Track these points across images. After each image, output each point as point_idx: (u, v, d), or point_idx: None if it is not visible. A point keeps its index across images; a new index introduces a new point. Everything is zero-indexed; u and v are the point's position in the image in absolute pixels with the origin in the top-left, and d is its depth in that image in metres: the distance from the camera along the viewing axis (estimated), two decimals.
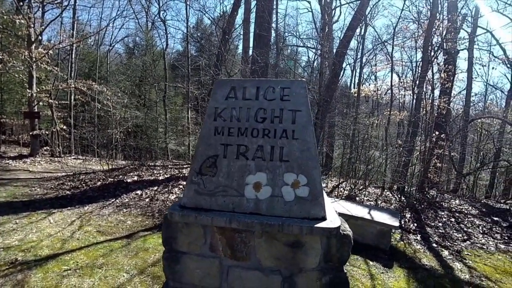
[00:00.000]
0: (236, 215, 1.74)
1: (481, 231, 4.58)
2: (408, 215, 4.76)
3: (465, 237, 4.16)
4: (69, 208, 4.88)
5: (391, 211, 4.03)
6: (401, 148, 7.67)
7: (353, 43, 13.99)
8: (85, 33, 18.21)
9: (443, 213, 5.33)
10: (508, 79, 14.14)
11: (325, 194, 2.69)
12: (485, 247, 3.88)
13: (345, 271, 1.90)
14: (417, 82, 6.89)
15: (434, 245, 3.66)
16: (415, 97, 7.43)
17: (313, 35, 17.34)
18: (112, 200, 5.33)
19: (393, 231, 3.72)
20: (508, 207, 6.44)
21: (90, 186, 6.16)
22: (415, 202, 5.73)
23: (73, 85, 9.16)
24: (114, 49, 24.60)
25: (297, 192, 1.76)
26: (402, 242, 3.60)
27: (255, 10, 9.62)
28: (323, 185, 6.55)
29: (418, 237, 3.86)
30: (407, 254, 3.42)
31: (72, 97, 15.15)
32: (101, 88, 9.52)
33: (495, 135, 8.87)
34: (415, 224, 4.41)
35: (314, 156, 1.77)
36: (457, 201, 6.60)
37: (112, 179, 6.46)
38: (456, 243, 3.85)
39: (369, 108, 16.08)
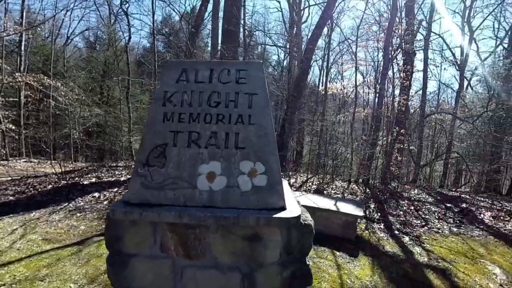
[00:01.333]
0: (188, 209, 1.57)
1: (437, 217, 4.88)
2: (372, 206, 4.92)
3: (423, 223, 4.39)
4: (11, 215, 4.31)
5: (356, 202, 4.11)
6: (365, 143, 8.01)
7: (321, 43, 14.34)
8: (36, 22, 16.56)
9: (403, 202, 5.60)
10: (457, 80, 15.54)
11: (286, 185, 2.61)
12: (440, 231, 4.12)
13: (308, 263, 1.82)
14: (379, 80, 7.20)
15: (396, 232, 3.80)
16: (377, 94, 7.78)
17: (283, 33, 17.52)
18: (65, 204, 4.82)
19: (359, 221, 3.81)
20: (458, 195, 7.01)
21: (39, 190, 5.53)
22: (378, 193, 5.96)
23: (20, 79, 8.19)
24: (73, 43, 22.67)
25: (254, 181, 1.63)
26: (367, 232, 3.68)
27: (223, 6, 9.39)
28: (292, 180, 6.57)
29: (382, 226, 3.98)
30: (372, 243, 3.49)
31: (22, 94, 13.68)
32: (55, 83, 8.65)
33: (447, 129, 9.64)
34: (379, 214, 4.56)
35: (272, 142, 1.66)
36: (415, 191, 7.02)
37: (65, 182, 5.87)
38: (416, 229, 4.03)
39: (336, 106, 16.65)
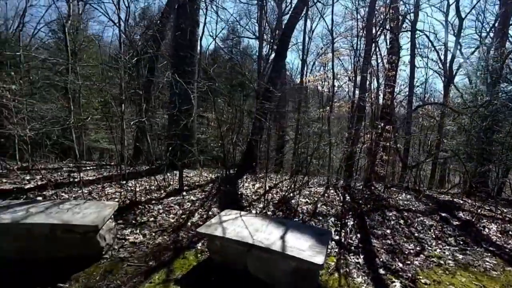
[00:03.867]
0: None
1: (434, 235, 3.74)
2: (350, 223, 3.70)
3: (418, 249, 3.21)
4: None
5: (320, 231, 2.67)
6: (346, 140, 6.86)
7: (299, 34, 13.11)
8: None
9: (391, 214, 4.44)
10: (441, 76, 14.76)
11: None
12: (442, 261, 2.94)
13: None
14: (361, 65, 6.06)
15: (382, 271, 2.57)
16: (357, 82, 6.65)
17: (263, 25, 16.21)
18: None
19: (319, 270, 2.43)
20: (450, 198, 5.98)
21: None
22: (360, 202, 4.78)
23: None
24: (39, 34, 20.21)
25: None
26: (337, 274, 2.43)
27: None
28: (257, 185, 5.29)
29: (361, 259, 2.75)
30: None
31: None
32: None
33: (435, 124, 8.71)
34: (359, 236, 3.34)
35: None
36: (403, 195, 5.93)
37: None
38: (409, 262, 2.83)
39: (320, 101, 15.60)
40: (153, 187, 4.77)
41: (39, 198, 3.69)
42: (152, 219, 3.32)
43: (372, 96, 8.97)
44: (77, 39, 16.10)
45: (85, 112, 12.08)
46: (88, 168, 6.69)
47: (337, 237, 3.21)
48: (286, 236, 2.18)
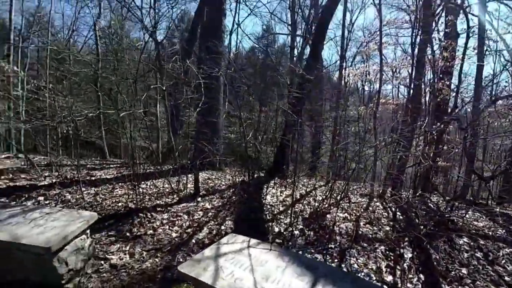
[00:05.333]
0: None
1: None
2: (407, 254, 2.71)
3: None
4: None
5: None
6: (396, 143, 5.68)
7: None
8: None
9: (462, 242, 3.30)
10: None
11: None
12: None
13: None
14: (416, 47, 4.90)
15: None
16: (413, 72, 5.45)
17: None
18: None
19: None
20: None
21: None
22: (418, 221, 3.69)
23: None
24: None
25: None
26: None
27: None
28: (285, 193, 4.50)
29: None
30: None
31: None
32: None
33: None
34: (422, 278, 2.36)
35: None
36: (470, 213, 4.63)
37: None
38: None
39: (356, 98, 14.15)
40: (167, 190, 4.28)
41: (41, 198, 3.38)
42: (150, 231, 2.75)
43: (428, 90, 7.53)
44: (120, 44, 16.92)
45: (123, 111, 12.45)
46: (111, 166, 6.54)
47: (389, 278, 2.29)
48: None
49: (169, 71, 5.61)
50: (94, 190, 3.89)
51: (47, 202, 3.25)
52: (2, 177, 4.76)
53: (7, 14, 12.58)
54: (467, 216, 4.43)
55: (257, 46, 21.20)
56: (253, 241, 1.84)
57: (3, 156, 7.96)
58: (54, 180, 4.43)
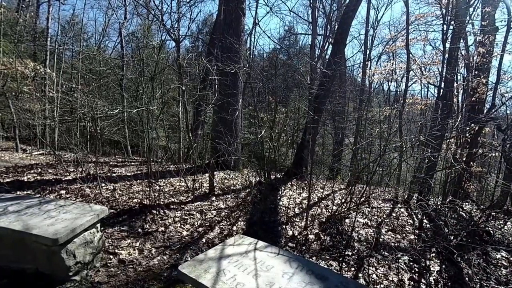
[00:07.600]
0: None
1: None
2: (434, 268, 2.45)
3: None
4: None
5: None
6: (424, 144, 5.27)
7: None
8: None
9: (499, 257, 2.96)
10: None
11: None
12: None
13: None
14: (448, 41, 4.51)
15: None
16: (444, 65, 5.04)
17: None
18: None
19: None
20: None
21: None
22: (447, 231, 3.36)
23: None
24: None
25: None
26: None
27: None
28: (302, 196, 4.34)
29: None
30: None
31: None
32: (38, 68, 7.85)
33: None
34: None
35: None
36: (509, 224, 4.17)
37: None
38: None
39: (380, 99, 13.51)
40: (182, 188, 4.29)
41: (62, 192, 3.52)
42: (162, 228, 2.74)
43: (461, 88, 6.96)
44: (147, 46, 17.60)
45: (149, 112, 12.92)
46: (132, 164, 6.74)
47: None
48: None
49: (187, 71, 5.67)
50: (113, 186, 3.99)
51: (68, 195, 3.38)
52: (32, 171, 5.07)
53: (45, 22, 13.60)
54: (505, 227, 3.98)
55: (278, 46, 21.07)
56: (261, 243, 1.74)
57: (37, 152, 8.54)
58: (77, 175, 4.63)
